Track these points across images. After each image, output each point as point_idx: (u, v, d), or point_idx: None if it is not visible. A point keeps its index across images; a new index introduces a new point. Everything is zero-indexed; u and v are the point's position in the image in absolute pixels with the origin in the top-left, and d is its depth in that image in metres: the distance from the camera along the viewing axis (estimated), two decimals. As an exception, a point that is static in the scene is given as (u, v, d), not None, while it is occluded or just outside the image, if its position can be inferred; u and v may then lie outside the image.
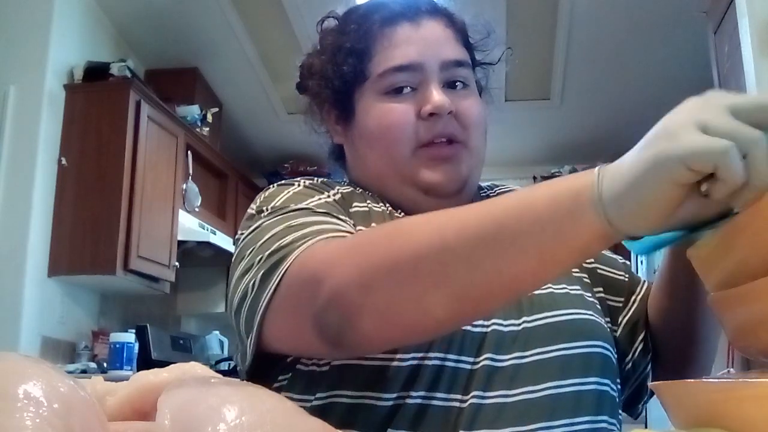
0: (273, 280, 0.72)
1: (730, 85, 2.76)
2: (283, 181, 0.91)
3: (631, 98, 4.60)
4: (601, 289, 0.94)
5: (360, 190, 0.92)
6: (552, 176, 5.37)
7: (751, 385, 0.42)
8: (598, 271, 0.95)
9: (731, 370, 2.12)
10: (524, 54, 4.04)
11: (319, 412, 0.77)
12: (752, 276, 0.49)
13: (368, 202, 0.88)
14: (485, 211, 0.63)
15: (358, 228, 0.83)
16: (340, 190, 0.89)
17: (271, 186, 0.90)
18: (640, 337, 0.93)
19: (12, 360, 0.36)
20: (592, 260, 0.95)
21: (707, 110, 0.52)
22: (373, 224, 0.84)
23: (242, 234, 0.83)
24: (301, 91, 0.99)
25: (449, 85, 0.90)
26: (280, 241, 0.75)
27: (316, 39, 0.99)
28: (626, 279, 0.96)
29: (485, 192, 1.02)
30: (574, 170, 5.34)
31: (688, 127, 0.51)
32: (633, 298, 0.95)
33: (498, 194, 1.02)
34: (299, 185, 0.88)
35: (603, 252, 0.98)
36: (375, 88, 0.90)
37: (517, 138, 4.94)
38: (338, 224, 0.78)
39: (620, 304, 0.95)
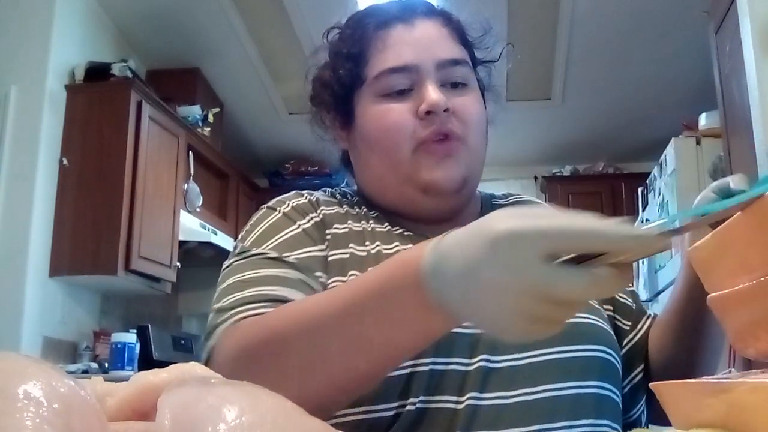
0: (206, 350, 0.79)
1: (731, 85, 2.75)
2: (272, 202, 0.94)
3: (633, 98, 4.60)
4: (610, 307, 0.95)
5: (345, 209, 0.92)
6: (553, 176, 5.37)
7: (751, 385, 0.42)
8: None
9: (732, 370, 2.12)
10: (525, 54, 4.04)
11: None
12: (752, 276, 0.49)
13: (349, 222, 0.89)
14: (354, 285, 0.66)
15: (333, 252, 0.85)
16: (323, 212, 0.91)
17: (262, 208, 0.94)
18: (638, 369, 0.94)
19: (12, 360, 0.36)
20: None
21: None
22: (351, 245, 0.86)
23: (224, 263, 0.89)
24: (313, 103, 1.00)
25: (447, 85, 0.90)
26: (223, 301, 0.81)
27: (318, 41, 1.00)
28: (633, 306, 0.97)
29: (498, 200, 1.02)
30: (575, 170, 5.34)
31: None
32: (638, 326, 0.96)
33: (512, 204, 1.01)
34: (280, 212, 0.91)
35: None
36: (372, 90, 0.90)
37: (519, 138, 4.94)
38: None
39: (628, 327, 0.95)
